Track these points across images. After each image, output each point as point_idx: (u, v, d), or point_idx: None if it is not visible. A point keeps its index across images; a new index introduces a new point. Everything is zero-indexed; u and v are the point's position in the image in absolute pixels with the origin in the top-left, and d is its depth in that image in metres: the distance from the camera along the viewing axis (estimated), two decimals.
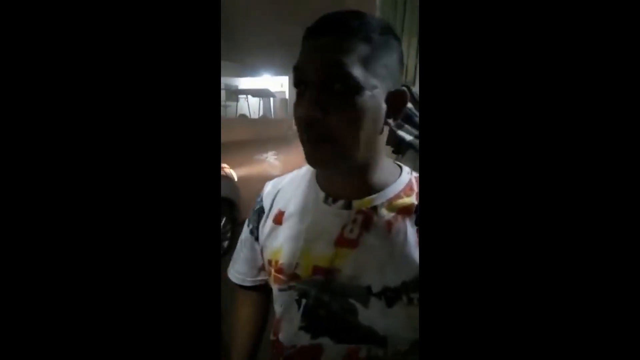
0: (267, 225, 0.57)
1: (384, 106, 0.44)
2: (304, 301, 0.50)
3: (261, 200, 0.60)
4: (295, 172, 0.60)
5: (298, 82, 0.45)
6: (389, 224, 0.47)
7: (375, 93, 0.43)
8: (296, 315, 0.50)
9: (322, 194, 0.52)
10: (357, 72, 0.41)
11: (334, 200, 0.51)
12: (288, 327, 0.51)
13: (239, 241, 0.64)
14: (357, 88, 0.42)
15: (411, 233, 0.46)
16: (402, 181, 0.51)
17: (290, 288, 0.52)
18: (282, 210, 0.56)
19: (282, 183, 0.60)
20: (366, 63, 0.42)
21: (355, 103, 0.42)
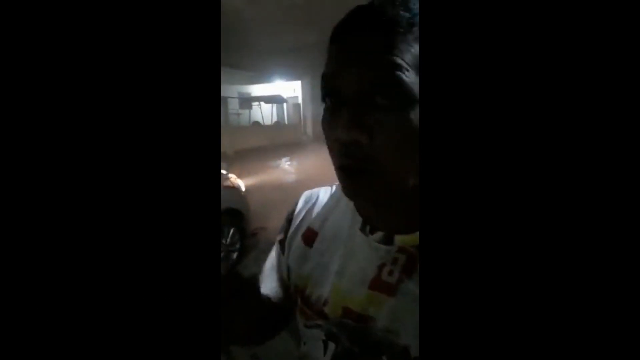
0: (295, 241, 0.48)
1: None
2: (331, 345, 0.42)
3: (293, 211, 0.51)
4: (336, 187, 0.49)
5: (329, 94, 0.35)
6: None
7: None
8: None
9: (359, 220, 0.42)
10: (412, 78, 0.31)
11: (372, 230, 0.41)
12: None
13: (269, 257, 0.54)
14: (410, 101, 0.32)
15: None
16: None
17: (317, 326, 0.43)
18: (314, 229, 0.47)
19: (319, 196, 0.50)
20: (417, 66, 0.32)
21: (409, 121, 0.32)
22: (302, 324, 0.45)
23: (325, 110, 0.36)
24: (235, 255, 2.52)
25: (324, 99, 0.36)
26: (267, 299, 0.51)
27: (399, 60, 0.31)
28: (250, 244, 2.67)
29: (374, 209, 0.41)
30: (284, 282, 0.50)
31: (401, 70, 0.31)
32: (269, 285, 0.52)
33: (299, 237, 0.48)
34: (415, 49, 0.32)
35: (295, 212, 0.50)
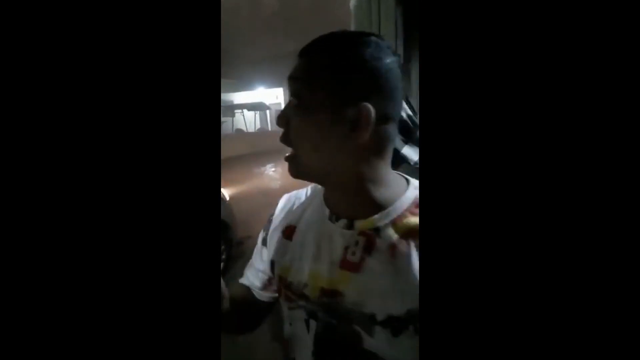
0: (275, 236, 0.57)
1: (342, 122, 0.43)
2: (312, 322, 0.49)
3: (274, 212, 0.60)
4: (312, 187, 0.59)
5: None
6: (392, 248, 0.44)
7: (325, 109, 0.44)
8: (307, 338, 0.50)
9: (327, 212, 0.50)
10: (298, 85, 0.45)
11: (337, 219, 0.49)
12: (302, 351, 0.51)
13: (255, 249, 0.64)
14: (306, 104, 0.44)
15: (416, 257, 0.43)
16: (408, 198, 0.47)
17: (299, 307, 0.51)
18: (293, 224, 0.55)
19: (298, 197, 0.60)
20: (308, 76, 0.44)
21: (304, 118, 0.44)
22: (286, 307, 0.53)
23: None
24: (221, 265, 2.50)
25: None
26: (248, 289, 0.62)
27: (300, 74, 0.45)
28: (237, 253, 2.66)
29: (336, 200, 0.50)
30: (265, 273, 0.59)
31: (298, 82, 0.44)
32: (249, 277, 0.63)
33: (279, 233, 0.56)
34: (312, 62, 0.45)
35: (276, 213, 0.60)
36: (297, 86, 0.44)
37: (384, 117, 0.43)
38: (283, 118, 0.46)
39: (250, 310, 0.62)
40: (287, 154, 0.47)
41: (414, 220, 0.45)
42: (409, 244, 0.44)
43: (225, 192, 2.77)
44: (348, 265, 0.46)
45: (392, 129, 0.46)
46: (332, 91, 0.43)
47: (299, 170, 0.47)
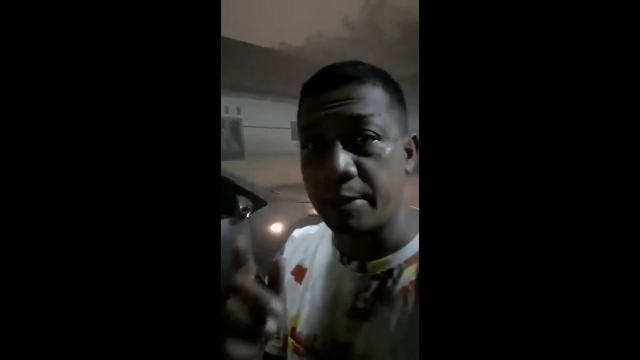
0: (285, 279, 0.47)
1: (404, 154, 0.41)
2: None
3: (283, 249, 0.54)
4: (323, 224, 0.50)
5: (312, 139, 0.39)
6: (406, 293, 0.39)
7: (397, 142, 0.39)
8: None
9: (337, 253, 0.45)
10: (381, 119, 0.38)
11: (349, 260, 0.44)
12: None
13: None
14: (383, 138, 0.38)
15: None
16: None
17: None
18: (302, 266, 0.50)
19: (308, 232, 0.54)
20: (384, 110, 0.38)
21: (383, 154, 0.38)
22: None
23: (308, 154, 0.40)
24: None
25: (305, 146, 0.40)
26: None
27: (367, 108, 0.37)
28: None
29: (350, 241, 0.44)
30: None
31: (372, 116, 0.37)
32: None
33: (289, 274, 0.50)
34: (382, 95, 0.39)
35: (286, 250, 0.54)
36: (367, 119, 0.37)
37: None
38: (351, 162, 0.37)
39: None
40: (351, 205, 0.37)
41: None
42: None
43: None
44: (357, 313, 0.41)
45: None
46: (399, 121, 0.40)
47: (369, 221, 0.38)
